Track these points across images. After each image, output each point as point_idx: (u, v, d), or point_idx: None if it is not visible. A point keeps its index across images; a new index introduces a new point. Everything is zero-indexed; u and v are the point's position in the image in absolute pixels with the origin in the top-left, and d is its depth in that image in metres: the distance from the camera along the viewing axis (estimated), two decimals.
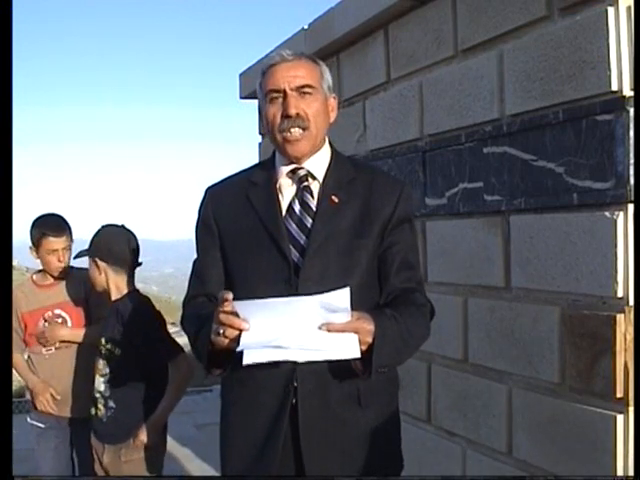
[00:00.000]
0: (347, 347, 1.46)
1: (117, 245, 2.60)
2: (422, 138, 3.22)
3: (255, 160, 4.77)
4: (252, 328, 1.47)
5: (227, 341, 1.50)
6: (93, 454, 2.65)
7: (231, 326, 1.48)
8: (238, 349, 1.46)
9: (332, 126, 1.80)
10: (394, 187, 1.77)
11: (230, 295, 1.49)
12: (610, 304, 2.29)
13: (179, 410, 2.69)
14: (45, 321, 2.98)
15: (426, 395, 3.24)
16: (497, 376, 2.81)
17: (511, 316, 2.72)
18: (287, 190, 1.74)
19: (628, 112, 2.20)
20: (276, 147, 1.75)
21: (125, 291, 2.62)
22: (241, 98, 4.99)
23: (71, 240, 3.01)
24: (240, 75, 4.99)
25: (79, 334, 2.95)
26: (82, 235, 2.90)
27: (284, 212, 1.72)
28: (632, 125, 2.18)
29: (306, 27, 4.01)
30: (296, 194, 1.73)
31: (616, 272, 2.25)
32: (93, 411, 2.60)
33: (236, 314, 1.48)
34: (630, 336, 2.22)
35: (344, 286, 1.45)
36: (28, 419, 3.10)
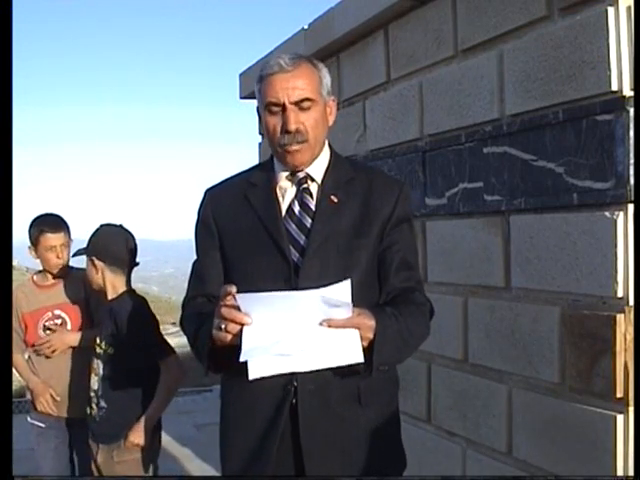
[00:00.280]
0: (349, 350, 1.47)
1: (115, 245, 2.61)
2: (422, 138, 3.22)
3: (255, 160, 4.78)
4: (254, 323, 1.47)
5: (229, 337, 1.50)
6: (91, 454, 2.66)
7: (233, 320, 1.48)
8: (242, 359, 1.46)
9: (331, 127, 1.80)
10: (393, 187, 1.78)
11: (234, 289, 1.49)
12: (610, 304, 2.29)
13: (179, 410, 2.70)
14: (47, 329, 2.99)
15: (426, 395, 3.24)
16: (497, 376, 2.81)
17: (511, 316, 2.72)
18: (287, 192, 1.75)
19: (628, 112, 2.20)
20: (276, 156, 1.76)
21: (120, 291, 2.63)
22: (241, 98, 4.99)
23: (69, 238, 3.03)
24: (240, 75, 4.99)
25: (85, 337, 2.95)
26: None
27: (283, 213, 1.72)
28: (632, 125, 2.18)
29: (306, 27, 4.01)
30: (296, 196, 1.74)
31: (616, 272, 2.25)
32: (88, 411, 2.61)
33: (238, 308, 1.48)
34: (630, 336, 2.22)
35: (345, 279, 1.46)
36: (28, 419, 3.11)
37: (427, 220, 3.20)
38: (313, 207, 1.72)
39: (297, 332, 1.47)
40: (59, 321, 3.00)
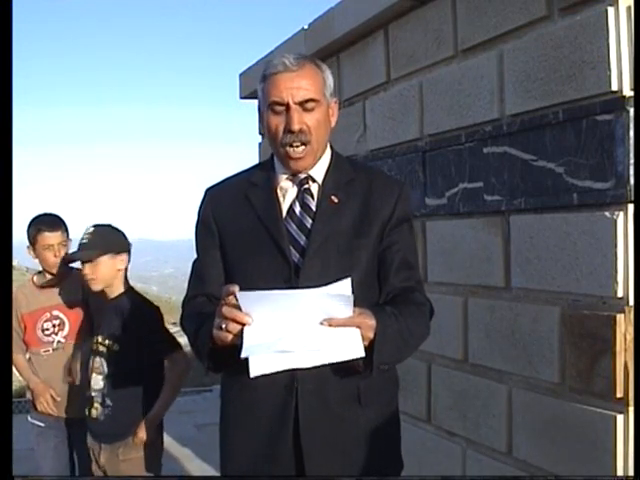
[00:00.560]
0: (351, 346, 1.47)
1: (120, 240, 2.65)
2: (422, 138, 3.22)
3: (255, 160, 4.77)
4: (255, 322, 1.47)
5: (230, 336, 1.50)
6: (90, 455, 2.66)
7: (234, 320, 1.48)
8: (242, 356, 1.46)
9: (333, 128, 1.80)
10: (393, 188, 1.78)
11: (236, 288, 1.49)
12: (610, 304, 2.29)
13: (179, 410, 2.70)
14: (45, 329, 3.00)
15: (426, 395, 3.24)
16: (497, 376, 2.81)
17: (511, 316, 2.72)
18: (287, 192, 1.75)
19: (628, 112, 2.20)
20: (277, 157, 1.76)
21: (123, 289, 2.65)
22: (241, 98, 4.99)
23: (67, 237, 3.04)
24: (240, 75, 4.99)
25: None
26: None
27: (284, 213, 1.72)
28: (632, 125, 2.18)
29: (306, 27, 4.01)
30: (297, 196, 1.74)
31: (616, 272, 2.25)
32: (88, 411, 2.59)
33: (239, 308, 1.48)
34: (630, 336, 2.22)
35: (346, 277, 1.46)
36: (29, 418, 3.12)
37: (427, 220, 3.20)
38: (314, 207, 1.72)
39: (298, 330, 1.47)
40: (57, 322, 3.01)
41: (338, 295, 1.45)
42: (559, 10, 2.47)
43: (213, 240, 1.78)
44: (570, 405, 2.44)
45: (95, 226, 2.63)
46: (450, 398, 3.09)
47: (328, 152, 1.79)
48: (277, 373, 1.49)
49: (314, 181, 1.75)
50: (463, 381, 3.00)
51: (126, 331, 2.53)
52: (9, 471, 1.62)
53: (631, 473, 2.11)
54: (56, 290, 3.05)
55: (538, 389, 2.60)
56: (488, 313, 2.84)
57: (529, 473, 2.64)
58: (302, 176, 1.74)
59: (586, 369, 2.36)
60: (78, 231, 3.17)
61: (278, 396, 1.65)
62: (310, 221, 1.70)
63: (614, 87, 2.24)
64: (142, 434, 2.50)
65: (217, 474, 4.07)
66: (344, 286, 1.46)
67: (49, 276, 3.05)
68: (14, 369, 3.07)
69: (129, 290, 2.67)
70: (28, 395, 3.11)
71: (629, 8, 2.23)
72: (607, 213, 2.27)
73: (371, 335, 1.51)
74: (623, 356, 2.24)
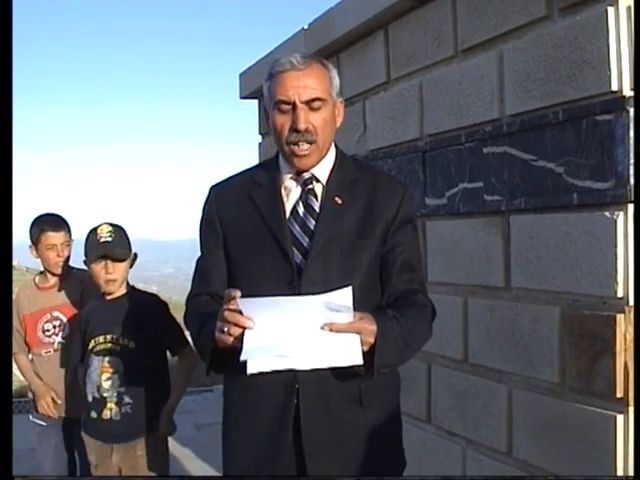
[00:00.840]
0: (349, 353, 1.47)
1: (128, 239, 2.66)
2: (422, 138, 3.22)
3: (255, 160, 4.77)
4: (256, 327, 1.48)
5: (231, 339, 1.51)
6: (90, 458, 2.65)
7: (235, 324, 1.49)
8: (242, 358, 1.47)
9: (338, 128, 1.80)
10: (397, 189, 1.77)
11: (238, 293, 1.50)
12: (610, 304, 2.29)
13: (179, 410, 2.71)
14: (45, 330, 3.00)
15: (426, 395, 3.24)
16: (497, 376, 2.81)
17: (511, 316, 2.72)
18: (291, 192, 1.75)
19: (628, 112, 2.20)
20: (282, 155, 1.76)
21: (125, 289, 2.67)
22: (241, 98, 4.99)
23: (70, 237, 3.04)
24: (240, 75, 4.99)
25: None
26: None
27: (288, 214, 1.72)
28: (632, 125, 2.18)
29: (306, 27, 4.01)
30: (300, 197, 1.74)
31: (616, 272, 2.25)
32: (97, 413, 2.56)
33: (241, 312, 1.49)
34: (630, 336, 2.22)
35: (346, 285, 1.46)
36: (30, 417, 3.12)
37: (427, 220, 3.20)
38: (317, 209, 1.71)
39: (298, 336, 1.47)
40: (57, 323, 3.01)
41: (338, 303, 1.45)
42: (559, 10, 2.47)
43: (217, 240, 1.78)
44: (570, 405, 2.44)
45: (112, 225, 2.62)
46: (450, 398, 3.09)
47: (333, 151, 1.79)
48: (274, 372, 1.49)
49: (318, 181, 1.74)
50: (463, 381, 3.00)
51: (143, 327, 2.55)
52: (9, 471, 1.62)
53: (631, 473, 2.11)
54: (57, 291, 3.05)
55: (538, 389, 2.60)
56: (488, 313, 2.84)
57: (529, 473, 2.64)
58: (306, 176, 1.73)
59: (586, 369, 2.36)
60: (78, 231, 3.17)
61: (279, 397, 1.66)
62: (313, 222, 1.70)
63: (614, 87, 2.24)
64: (165, 427, 2.57)
65: (217, 474, 4.08)
66: (344, 295, 1.45)
67: (50, 276, 3.06)
68: (17, 370, 3.08)
69: (132, 289, 2.69)
70: (30, 395, 3.11)
71: (629, 8, 2.23)
72: (607, 213, 2.27)
73: (371, 340, 1.51)
74: (623, 356, 2.24)
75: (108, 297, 2.63)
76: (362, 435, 1.71)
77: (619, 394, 2.24)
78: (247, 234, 1.73)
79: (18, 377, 3.23)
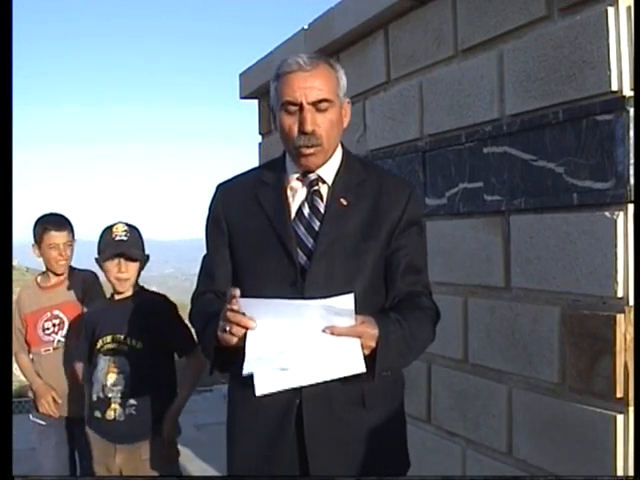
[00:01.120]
0: (351, 360, 1.47)
1: (142, 241, 2.64)
2: (422, 138, 3.22)
3: (255, 160, 4.79)
4: (257, 331, 1.48)
5: (234, 339, 1.51)
6: (93, 453, 2.64)
7: (238, 324, 1.49)
8: (245, 372, 1.47)
9: (345, 129, 1.79)
10: (403, 190, 1.77)
11: (238, 292, 1.50)
12: (610, 304, 2.29)
13: None
14: (45, 329, 3.01)
15: (426, 395, 3.24)
16: (497, 376, 2.81)
17: (511, 316, 2.72)
18: (297, 193, 1.75)
19: (628, 112, 2.20)
20: (289, 156, 1.75)
21: (132, 290, 2.64)
22: (241, 98, 4.99)
23: (73, 237, 3.05)
24: (240, 75, 4.99)
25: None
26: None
27: (293, 215, 1.72)
28: (632, 125, 2.18)
29: (306, 27, 4.01)
30: (306, 197, 1.73)
31: (616, 272, 2.25)
32: (101, 413, 2.55)
33: (243, 312, 1.49)
34: (630, 336, 2.22)
35: (349, 291, 1.46)
36: (30, 416, 3.12)
37: (427, 220, 3.19)
38: (322, 210, 1.71)
39: (300, 342, 1.47)
40: (57, 321, 3.01)
41: (340, 308, 1.45)
42: (559, 10, 2.47)
43: (223, 238, 1.79)
44: (570, 405, 2.44)
45: (127, 225, 2.60)
46: (450, 398, 3.09)
47: (339, 152, 1.78)
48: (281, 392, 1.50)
49: (324, 182, 1.74)
50: (463, 381, 3.00)
51: (149, 329, 2.53)
52: (9, 471, 1.62)
53: (631, 473, 2.11)
54: (58, 290, 3.06)
55: (538, 389, 2.60)
56: (488, 313, 2.84)
57: (529, 473, 2.64)
58: (312, 177, 1.73)
59: (586, 369, 2.36)
60: (78, 231, 3.19)
61: (282, 398, 1.65)
62: (318, 223, 1.69)
63: (614, 87, 2.24)
64: (170, 431, 2.52)
65: (217, 474, 4.08)
66: (347, 300, 1.45)
67: (52, 276, 3.07)
68: (17, 370, 3.09)
69: (141, 289, 2.67)
70: (30, 394, 3.12)
71: (629, 8, 2.23)
72: (607, 213, 2.27)
73: (373, 344, 1.51)
74: (623, 356, 2.24)
75: (117, 297, 2.62)
76: (365, 436, 1.71)
77: (619, 394, 2.24)
78: (252, 234, 1.73)
79: (18, 377, 3.23)
